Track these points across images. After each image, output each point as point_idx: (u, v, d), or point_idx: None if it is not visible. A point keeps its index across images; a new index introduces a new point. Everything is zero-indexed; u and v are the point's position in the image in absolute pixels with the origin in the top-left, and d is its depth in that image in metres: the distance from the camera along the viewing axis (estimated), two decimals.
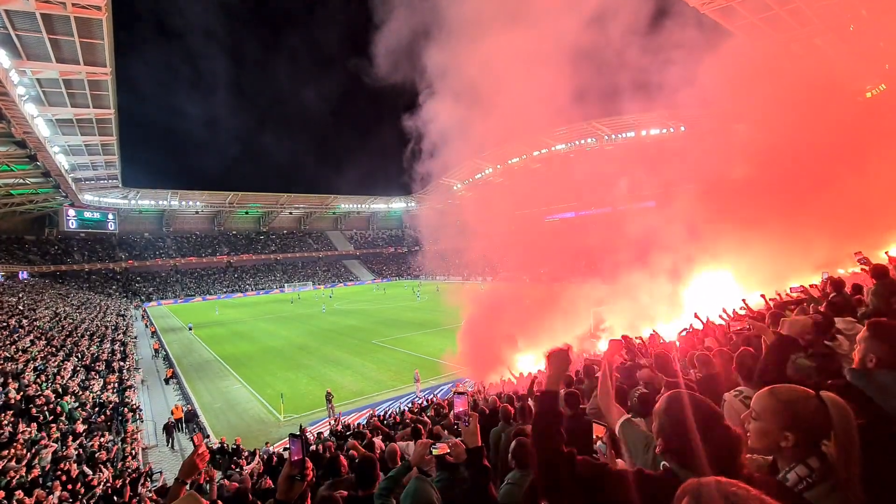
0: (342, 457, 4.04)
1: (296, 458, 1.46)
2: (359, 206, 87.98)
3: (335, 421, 13.43)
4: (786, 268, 10.30)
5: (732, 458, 1.17)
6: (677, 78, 14.73)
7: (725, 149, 13.14)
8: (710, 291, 11.51)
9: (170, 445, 13.78)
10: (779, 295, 7.68)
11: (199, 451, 1.79)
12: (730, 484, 0.79)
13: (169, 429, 14.19)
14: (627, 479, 1.24)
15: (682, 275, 12.76)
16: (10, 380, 13.77)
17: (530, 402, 5.09)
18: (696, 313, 7.21)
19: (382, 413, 14.02)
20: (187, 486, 1.92)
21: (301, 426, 12.99)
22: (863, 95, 16.79)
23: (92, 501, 8.62)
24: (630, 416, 2.15)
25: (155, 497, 8.01)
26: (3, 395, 12.27)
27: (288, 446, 1.49)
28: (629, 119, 45.90)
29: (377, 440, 6.33)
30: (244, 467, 9.59)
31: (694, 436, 1.17)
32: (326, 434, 11.94)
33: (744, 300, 7.47)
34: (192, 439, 9.93)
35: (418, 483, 2.08)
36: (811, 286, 6.78)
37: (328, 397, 15.31)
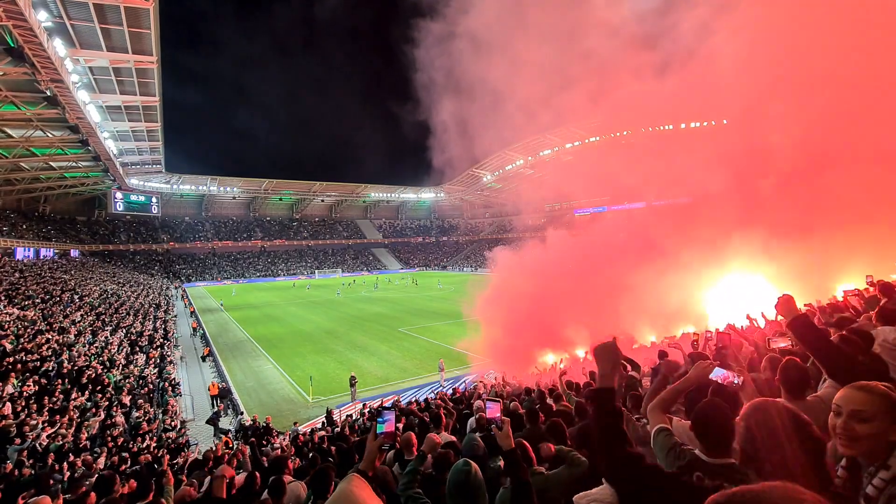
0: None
1: (389, 430, 1.59)
2: (388, 195, 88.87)
3: (363, 405, 13.74)
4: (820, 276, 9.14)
5: (818, 466, 1.16)
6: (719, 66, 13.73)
7: (766, 140, 12.06)
8: (733, 296, 10.64)
9: (215, 434, 13.18)
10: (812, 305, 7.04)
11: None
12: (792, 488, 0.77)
13: (215, 421, 13.27)
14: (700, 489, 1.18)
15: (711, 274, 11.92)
16: (65, 350, 14.77)
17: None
18: (748, 314, 6.86)
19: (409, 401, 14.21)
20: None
21: (328, 408, 13.35)
22: None
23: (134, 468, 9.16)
24: (664, 425, 2.10)
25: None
26: (57, 365, 13.17)
27: (380, 419, 1.61)
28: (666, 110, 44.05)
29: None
30: (275, 444, 9.98)
31: (785, 445, 1.17)
32: (355, 416, 12.24)
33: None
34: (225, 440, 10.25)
35: (468, 465, 2.06)
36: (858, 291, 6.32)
37: (352, 381, 15.67)
